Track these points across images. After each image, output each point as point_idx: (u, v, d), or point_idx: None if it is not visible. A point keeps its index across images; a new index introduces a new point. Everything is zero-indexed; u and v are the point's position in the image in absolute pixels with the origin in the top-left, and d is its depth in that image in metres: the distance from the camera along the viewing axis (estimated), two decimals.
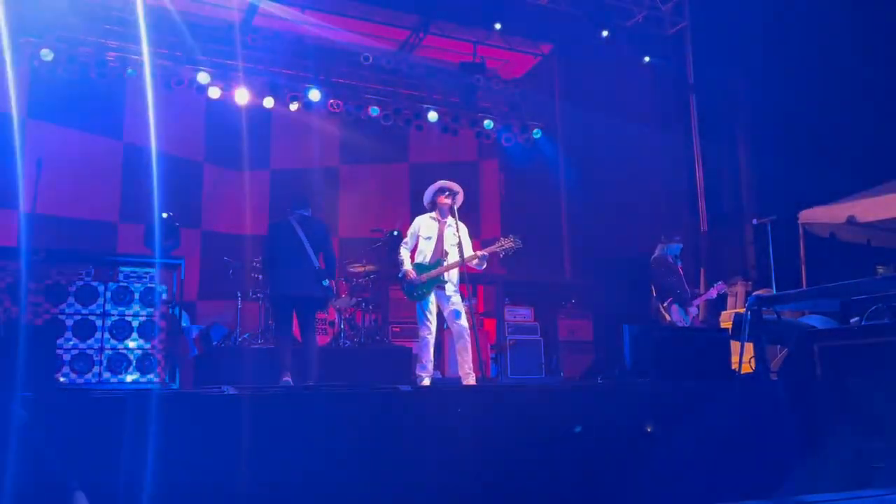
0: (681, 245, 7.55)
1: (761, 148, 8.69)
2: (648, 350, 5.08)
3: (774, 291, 6.55)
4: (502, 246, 6.19)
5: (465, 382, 6.05)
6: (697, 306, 7.44)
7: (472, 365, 6.09)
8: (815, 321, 5.58)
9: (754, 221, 7.16)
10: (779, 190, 8.05)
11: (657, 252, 7.49)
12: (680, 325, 7.18)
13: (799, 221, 8.05)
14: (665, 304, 7.25)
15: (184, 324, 7.59)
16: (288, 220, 6.69)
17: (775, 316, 5.31)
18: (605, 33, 9.23)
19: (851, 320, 4.86)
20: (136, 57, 8.60)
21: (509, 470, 3.65)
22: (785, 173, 7.90)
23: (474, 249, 6.30)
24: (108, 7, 8.43)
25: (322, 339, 8.09)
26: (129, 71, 8.60)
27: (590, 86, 10.07)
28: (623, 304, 8.51)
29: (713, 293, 7.48)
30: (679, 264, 7.49)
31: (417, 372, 6.32)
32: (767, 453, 4.00)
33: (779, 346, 5.98)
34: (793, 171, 7.78)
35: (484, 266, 6.34)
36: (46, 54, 8.16)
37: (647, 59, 9.44)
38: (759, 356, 4.83)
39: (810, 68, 7.82)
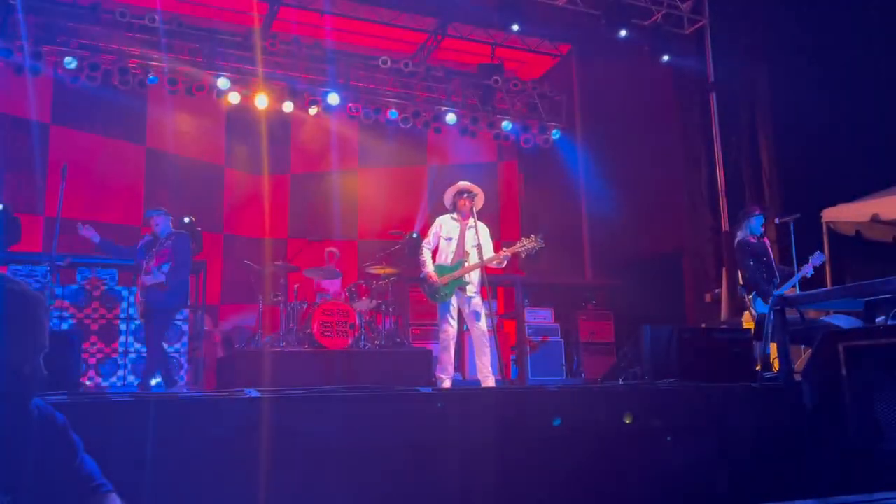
0: (761, 215, 6.78)
1: (783, 145, 8.60)
2: (670, 351, 5.05)
3: (798, 291, 6.47)
4: (524, 246, 6.18)
5: (484, 384, 6.05)
6: (779, 293, 6.38)
7: (492, 367, 6.10)
8: (839, 321, 5.51)
9: (777, 220, 7.05)
10: (802, 188, 7.96)
11: (738, 236, 6.80)
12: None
13: (822, 220, 7.95)
14: (749, 297, 6.59)
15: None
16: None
17: (799, 316, 5.25)
18: (622, 33, 9.19)
19: (877, 319, 4.80)
20: (158, 64, 8.71)
21: (530, 472, 3.64)
22: (808, 171, 7.82)
23: (494, 251, 6.31)
24: (130, 15, 8.54)
25: (343, 342, 8.12)
26: (151, 77, 8.70)
27: (608, 85, 10.04)
28: (644, 304, 8.46)
29: (808, 269, 6.55)
30: (765, 239, 6.75)
31: (437, 374, 6.34)
32: (791, 455, 3.96)
33: (803, 347, 5.91)
34: (816, 169, 7.69)
35: (504, 264, 6.35)
36: (70, 62, 8.29)
37: (665, 57, 9.37)
38: (783, 357, 4.77)
39: (832, 64, 7.72)
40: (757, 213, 6.83)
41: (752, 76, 8.90)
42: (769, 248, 6.78)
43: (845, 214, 7.90)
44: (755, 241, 6.70)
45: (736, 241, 6.82)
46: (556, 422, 3.71)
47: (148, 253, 6.34)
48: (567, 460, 3.70)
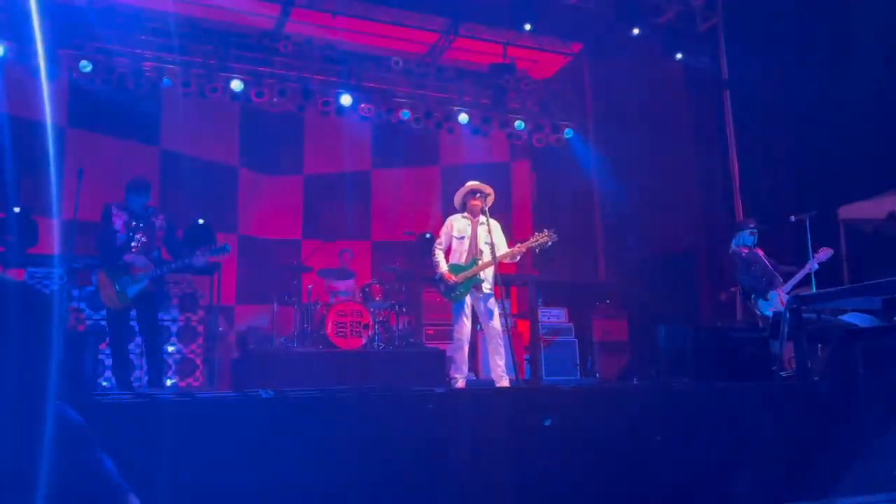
0: (752, 230, 7.04)
1: (799, 142, 8.51)
2: (685, 351, 5.02)
3: (814, 289, 6.41)
4: (537, 241, 6.18)
5: (498, 384, 6.05)
6: (787, 290, 6.71)
7: (506, 367, 6.09)
8: (856, 320, 5.46)
9: (792, 218, 7.01)
10: (818, 185, 7.88)
11: (731, 246, 7.14)
12: (769, 317, 6.66)
13: (839, 217, 7.88)
14: (750, 302, 6.87)
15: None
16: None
17: (815, 315, 5.20)
18: (635, 31, 9.14)
19: (895, 318, 4.74)
20: (171, 66, 8.76)
21: (543, 473, 3.63)
22: (824, 168, 7.73)
23: (507, 248, 6.31)
24: (144, 18, 8.60)
25: (356, 342, 8.15)
26: (165, 80, 8.76)
27: (621, 84, 9.99)
28: (658, 303, 8.42)
29: (813, 264, 6.61)
30: (758, 250, 6.99)
31: (451, 374, 6.34)
32: (809, 456, 3.93)
33: (819, 346, 5.86)
34: (833, 166, 7.61)
35: (518, 258, 6.35)
36: (85, 65, 8.36)
37: (678, 55, 9.32)
38: (800, 356, 4.74)
39: (849, 60, 7.65)
40: (751, 226, 7.09)
41: (766, 73, 8.82)
42: (762, 257, 6.98)
43: (862, 212, 7.82)
44: (746, 252, 6.96)
45: (729, 252, 7.10)
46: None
47: (133, 230, 5.98)
48: (583, 460, 3.69)
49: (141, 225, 6.01)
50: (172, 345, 7.90)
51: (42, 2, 7.55)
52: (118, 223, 5.97)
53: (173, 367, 7.88)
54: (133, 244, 5.94)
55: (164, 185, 10.36)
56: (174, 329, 7.94)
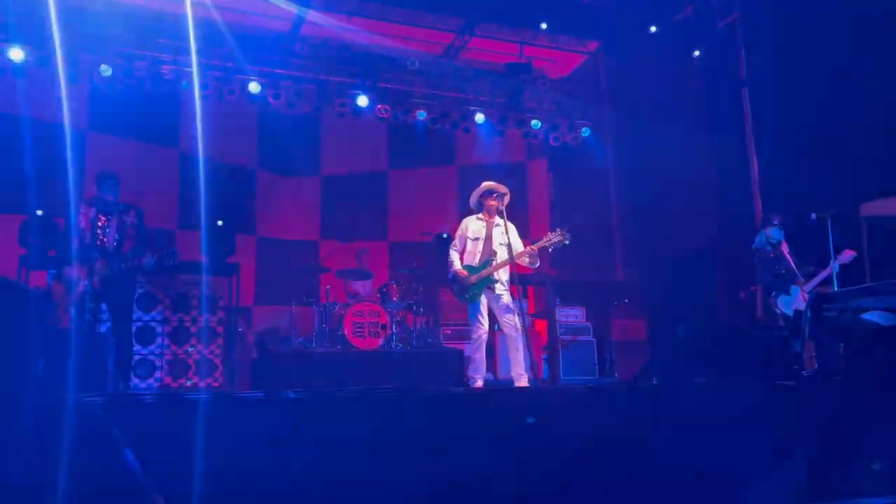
0: (779, 228, 7.07)
1: (819, 139, 8.42)
2: (705, 350, 4.99)
3: (836, 288, 6.35)
4: (550, 240, 6.15)
5: (517, 384, 6.04)
6: (808, 290, 6.72)
7: (524, 366, 6.07)
8: (879, 318, 5.39)
9: (813, 216, 6.94)
10: (839, 182, 7.79)
11: (755, 241, 7.16)
12: (791, 315, 6.64)
13: (861, 215, 7.79)
14: (771, 299, 6.89)
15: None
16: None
17: (837, 313, 5.14)
18: (652, 29, 9.09)
19: None
20: (189, 69, 8.83)
21: (563, 474, 3.62)
22: (847, 165, 7.65)
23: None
24: (162, 22, 8.67)
25: (374, 342, 8.17)
26: (183, 83, 8.83)
27: (638, 82, 9.94)
28: (677, 302, 8.37)
29: (834, 265, 6.63)
30: (783, 246, 7.00)
31: (469, 374, 6.34)
32: (830, 456, 3.89)
33: (841, 345, 5.80)
34: (854, 163, 7.52)
35: (537, 264, 6.32)
36: (105, 70, 8.45)
37: (696, 53, 9.25)
38: (821, 355, 4.69)
39: (868, 54, 7.56)
40: (775, 222, 7.09)
41: (785, 70, 8.74)
42: (786, 254, 6.97)
43: (885, 209, 7.73)
44: (770, 248, 6.99)
45: (752, 248, 7.13)
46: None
47: (105, 226, 6.01)
48: (601, 461, 3.68)
49: (112, 221, 6.02)
50: (193, 346, 7.96)
51: (61, 6, 7.65)
52: (83, 221, 5.97)
53: (193, 368, 7.95)
54: (100, 241, 5.95)
55: (183, 187, 10.45)
56: (193, 330, 8.01)
